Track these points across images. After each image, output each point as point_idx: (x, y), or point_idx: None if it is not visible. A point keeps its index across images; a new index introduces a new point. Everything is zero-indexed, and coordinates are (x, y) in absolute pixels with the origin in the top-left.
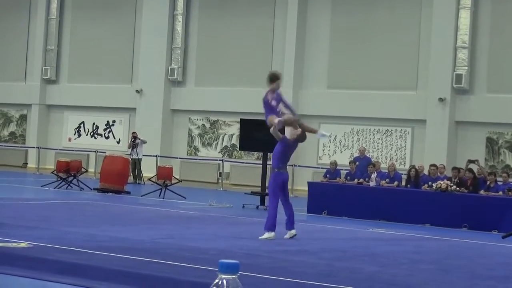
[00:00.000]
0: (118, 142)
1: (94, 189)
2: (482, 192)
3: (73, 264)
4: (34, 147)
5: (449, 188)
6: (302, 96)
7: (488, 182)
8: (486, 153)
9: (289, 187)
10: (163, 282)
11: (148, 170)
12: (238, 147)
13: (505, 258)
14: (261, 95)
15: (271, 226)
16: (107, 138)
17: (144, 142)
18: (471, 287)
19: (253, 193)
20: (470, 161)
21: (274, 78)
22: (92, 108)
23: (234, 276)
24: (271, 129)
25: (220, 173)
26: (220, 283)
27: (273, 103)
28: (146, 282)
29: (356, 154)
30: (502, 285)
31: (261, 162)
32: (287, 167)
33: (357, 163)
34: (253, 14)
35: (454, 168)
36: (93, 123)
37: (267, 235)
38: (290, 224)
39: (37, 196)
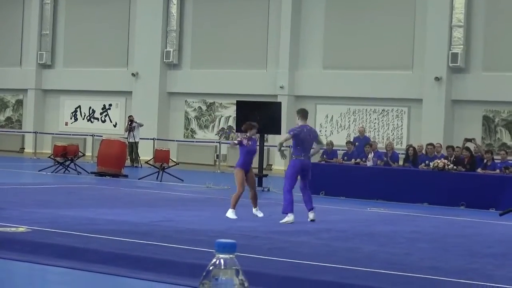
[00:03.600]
0: (114, 126)
1: (91, 173)
2: (479, 170)
3: (72, 247)
4: (30, 132)
5: (446, 167)
6: (298, 77)
7: (485, 160)
8: (482, 132)
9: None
10: (161, 264)
11: (145, 153)
12: (235, 129)
13: (503, 236)
14: (257, 77)
15: (286, 209)
16: (103, 122)
17: (140, 125)
18: (469, 265)
19: None
20: (467, 140)
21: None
22: (88, 92)
23: (231, 256)
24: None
25: (217, 155)
26: (217, 262)
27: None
28: (144, 265)
29: (352, 135)
30: (500, 262)
31: (258, 143)
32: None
33: (356, 143)
34: None
35: (448, 147)
36: (90, 107)
37: (286, 218)
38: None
39: (35, 181)
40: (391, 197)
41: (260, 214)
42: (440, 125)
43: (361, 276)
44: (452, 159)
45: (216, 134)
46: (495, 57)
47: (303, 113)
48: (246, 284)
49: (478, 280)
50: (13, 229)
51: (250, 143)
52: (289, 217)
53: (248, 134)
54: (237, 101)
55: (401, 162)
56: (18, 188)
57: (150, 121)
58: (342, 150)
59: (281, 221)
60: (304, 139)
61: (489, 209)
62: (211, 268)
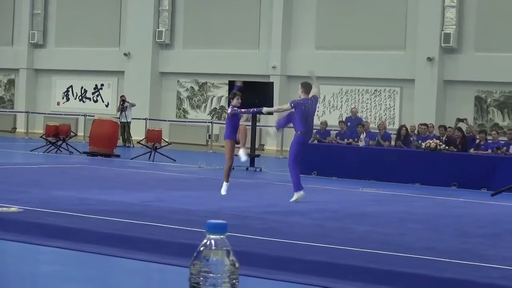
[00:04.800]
0: (106, 106)
1: (83, 152)
2: (471, 150)
3: (64, 227)
4: (22, 112)
5: (438, 147)
6: (290, 57)
7: (477, 141)
8: (474, 112)
9: (279, 148)
10: (153, 244)
11: (137, 133)
12: (227, 109)
13: (495, 216)
14: (249, 57)
15: (298, 187)
16: (95, 101)
17: (133, 105)
18: (461, 245)
19: None
20: (459, 120)
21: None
22: (80, 72)
23: (222, 236)
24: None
25: (209, 135)
26: (208, 243)
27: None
28: (136, 245)
29: (345, 115)
30: (492, 242)
31: (250, 123)
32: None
33: (348, 123)
34: None
35: (440, 126)
36: (82, 87)
37: (297, 195)
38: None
39: (27, 161)
40: (383, 178)
41: (243, 158)
42: (432, 106)
43: (354, 256)
44: (444, 139)
45: (208, 114)
46: (487, 38)
47: (306, 87)
48: (237, 265)
49: (470, 260)
50: (4, 209)
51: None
52: (299, 194)
53: (232, 103)
54: (229, 81)
55: (392, 142)
56: (10, 168)
57: (142, 101)
58: (334, 130)
59: (292, 200)
60: (308, 112)
61: (481, 189)
62: (202, 249)
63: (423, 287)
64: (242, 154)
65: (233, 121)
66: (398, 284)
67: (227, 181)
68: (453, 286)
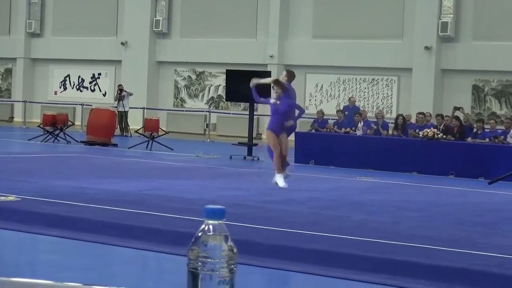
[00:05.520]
0: (104, 95)
1: (81, 142)
2: (469, 139)
3: (61, 216)
4: (20, 101)
5: (435, 136)
6: (288, 46)
7: (475, 129)
8: (472, 101)
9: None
10: (151, 232)
11: (135, 122)
12: (225, 98)
13: (492, 205)
14: (246, 46)
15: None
16: (93, 91)
17: (130, 94)
18: (458, 233)
19: (240, 143)
20: (456, 108)
21: None
22: (78, 61)
23: (220, 222)
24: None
25: (207, 124)
26: (206, 228)
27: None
28: (133, 233)
29: (342, 104)
30: (489, 231)
31: (247, 112)
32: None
33: (346, 112)
34: None
35: (438, 115)
36: (79, 76)
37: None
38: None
39: (24, 150)
40: (380, 166)
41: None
42: (430, 95)
43: (351, 245)
44: (441, 127)
45: (205, 103)
46: (484, 27)
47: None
48: (235, 250)
49: (467, 249)
50: (2, 198)
51: (278, 102)
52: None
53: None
54: (226, 70)
55: (390, 131)
56: (7, 157)
57: (140, 90)
58: (332, 119)
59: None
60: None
61: (478, 178)
62: (200, 234)
63: (420, 275)
64: (279, 180)
65: (273, 109)
66: (394, 272)
67: (280, 172)
68: (450, 274)
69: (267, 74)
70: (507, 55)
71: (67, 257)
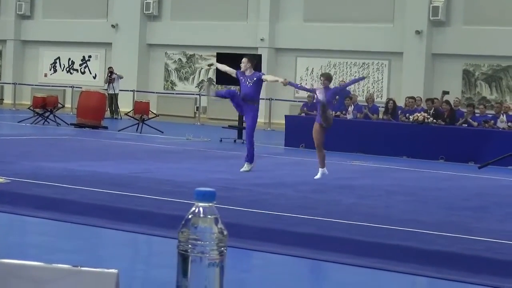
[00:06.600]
0: (94, 78)
1: (71, 124)
2: (459, 123)
3: (51, 198)
4: (10, 83)
5: (426, 120)
6: (279, 29)
7: (465, 114)
8: (462, 85)
9: (266, 120)
10: (141, 215)
11: (125, 105)
12: (215, 81)
13: (481, 189)
14: (237, 29)
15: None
16: (83, 73)
17: (120, 77)
18: (448, 218)
19: (230, 127)
20: (444, 92)
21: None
22: (68, 43)
23: (210, 204)
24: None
25: (197, 107)
26: (196, 211)
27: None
28: (123, 216)
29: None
30: (478, 215)
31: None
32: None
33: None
34: None
35: (428, 100)
36: (69, 59)
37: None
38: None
39: (14, 132)
40: (370, 150)
41: (317, 176)
42: (420, 79)
43: (341, 228)
44: (432, 112)
45: (196, 86)
46: (475, 11)
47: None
48: (225, 233)
49: (457, 233)
50: None
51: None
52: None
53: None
54: (217, 53)
55: (380, 115)
56: None
57: (130, 73)
58: None
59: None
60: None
61: (468, 162)
62: (190, 216)
63: (409, 259)
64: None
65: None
66: (384, 256)
67: (321, 167)
68: (439, 258)
69: (257, 57)
70: (498, 40)
71: (57, 239)
